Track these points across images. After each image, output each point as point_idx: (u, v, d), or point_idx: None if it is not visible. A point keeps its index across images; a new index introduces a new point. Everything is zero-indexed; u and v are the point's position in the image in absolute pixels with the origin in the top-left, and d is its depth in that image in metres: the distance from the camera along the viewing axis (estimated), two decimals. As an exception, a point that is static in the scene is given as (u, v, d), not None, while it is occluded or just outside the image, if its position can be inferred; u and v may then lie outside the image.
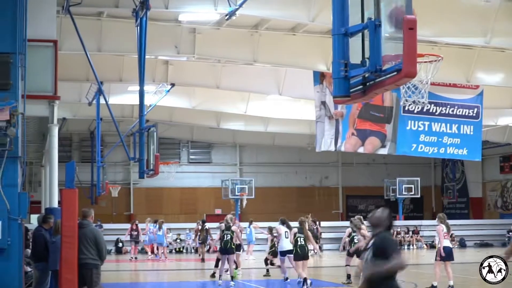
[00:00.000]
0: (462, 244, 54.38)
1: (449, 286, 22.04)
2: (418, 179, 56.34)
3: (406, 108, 29.69)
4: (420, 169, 59.54)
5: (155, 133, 25.84)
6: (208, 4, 25.08)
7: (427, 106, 30.09)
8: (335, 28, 9.16)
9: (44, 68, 18.15)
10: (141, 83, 25.60)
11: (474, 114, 31.42)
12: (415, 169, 58.06)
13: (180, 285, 27.90)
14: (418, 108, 29.87)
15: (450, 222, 59.72)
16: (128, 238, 43.87)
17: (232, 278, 24.35)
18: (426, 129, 30.48)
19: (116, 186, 54.76)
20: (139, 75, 25.46)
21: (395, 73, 8.33)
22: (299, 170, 63.00)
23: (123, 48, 29.45)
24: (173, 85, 35.27)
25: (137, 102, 28.60)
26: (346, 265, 24.54)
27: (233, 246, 24.33)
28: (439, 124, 30.69)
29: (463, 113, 31.12)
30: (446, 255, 22.31)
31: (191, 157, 61.69)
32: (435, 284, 22.05)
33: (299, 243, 23.25)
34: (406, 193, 56.13)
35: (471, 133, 31.25)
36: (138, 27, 24.16)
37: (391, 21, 8.55)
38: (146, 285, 29.14)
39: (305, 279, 22.67)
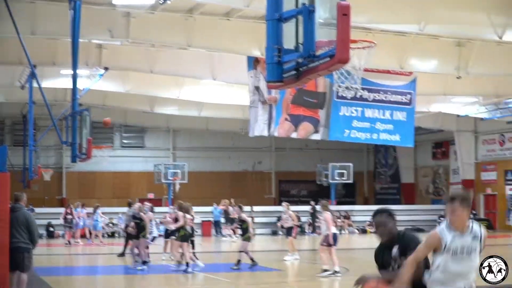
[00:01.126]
0: (394, 230, 55.01)
1: (325, 270, 22.34)
2: (351, 164, 56.81)
3: (339, 94, 29.86)
4: (352, 155, 60.05)
5: (88, 117, 25.60)
6: (143, -12, 25.01)
7: (360, 92, 30.29)
8: (269, 14, 9.20)
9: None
10: (74, 67, 25.32)
11: (407, 101, 31.75)
12: (348, 155, 58.53)
13: (113, 269, 27.80)
14: (351, 94, 30.04)
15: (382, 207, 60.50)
16: (62, 222, 43.60)
17: (145, 263, 24.24)
18: (359, 115, 30.70)
19: (49, 170, 54.15)
20: (72, 58, 25.17)
21: (328, 58, 8.40)
22: (232, 155, 63.11)
23: (57, 32, 29.13)
24: (106, 69, 34.99)
25: (70, 86, 28.35)
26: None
27: (142, 233, 24.27)
28: (372, 110, 30.93)
29: (396, 100, 31.41)
30: (334, 241, 22.93)
31: (124, 141, 61.48)
32: (325, 267, 22.31)
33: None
34: (338, 178, 56.57)
35: (404, 119, 31.58)
36: (72, 10, 23.92)
37: (325, 6, 8.62)
38: (79, 268, 28.98)
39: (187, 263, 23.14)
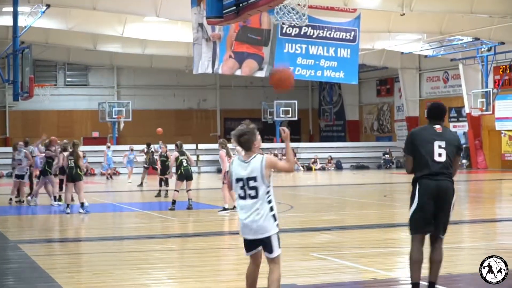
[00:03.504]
0: (339, 167, 55.58)
1: (226, 207, 22.41)
2: (296, 102, 56.99)
3: (284, 31, 29.81)
4: (297, 92, 60.10)
5: (29, 55, 25.38)
6: None
7: (305, 29, 30.30)
8: None
9: None
10: (15, 4, 25.03)
11: (351, 38, 31.78)
12: (292, 92, 58.42)
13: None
14: (295, 31, 30.04)
15: (327, 144, 60.78)
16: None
17: (82, 205, 23.89)
18: (303, 52, 30.68)
19: (-9, 109, 53.87)
20: (13, -5, 24.93)
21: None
22: (177, 92, 62.92)
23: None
24: (48, 6, 34.41)
25: (11, 23, 27.94)
26: (175, 190, 24.33)
27: (80, 173, 23.83)
28: (317, 47, 30.92)
29: (340, 37, 31.43)
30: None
31: (67, 79, 60.90)
32: (226, 206, 22.28)
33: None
34: (283, 116, 56.83)
35: (348, 56, 31.63)
36: None
37: None
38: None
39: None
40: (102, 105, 56.79)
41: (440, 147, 8.93)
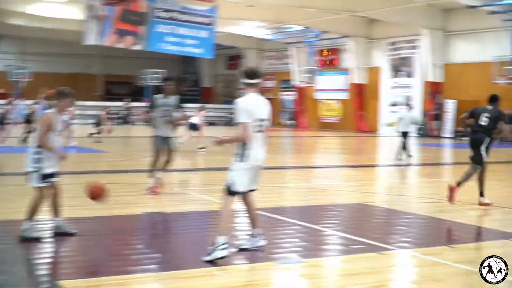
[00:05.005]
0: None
1: None
2: (165, 70, 56.40)
3: (157, 15, 29.33)
4: (165, 63, 59.27)
5: None
6: None
7: (173, 14, 30.00)
8: None
9: None
10: None
11: (209, 22, 31.49)
12: (161, 63, 57.80)
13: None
14: (166, 15, 29.66)
15: (186, 105, 60.35)
16: None
17: None
18: (172, 31, 30.26)
19: None
20: None
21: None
22: (68, 60, 61.20)
23: None
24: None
25: None
26: None
27: None
28: (182, 28, 30.53)
29: (201, 21, 31.14)
30: None
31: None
32: None
33: None
34: (153, 82, 56.31)
35: (207, 36, 31.35)
36: None
37: None
38: None
39: None
40: (8, 68, 54.74)
41: None
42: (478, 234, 10.58)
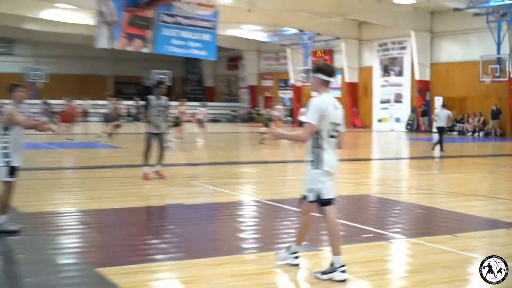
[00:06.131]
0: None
1: None
2: (170, 72, 56.25)
3: (163, 20, 29.19)
4: (171, 65, 59.10)
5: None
6: None
7: (178, 19, 29.95)
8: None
9: None
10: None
11: (211, 26, 31.35)
12: (167, 64, 57.59)
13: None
14: (171, 19, 29.58)
15: (191, 103, 60.28)
16: None
17: None
18: (176, 35, 30.14)
19: None
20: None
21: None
22: (82, 62, 60.94)
23: None
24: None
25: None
26: None
27: None
28: (186, 32, 30.42)
29: (204, 25, 31.00)
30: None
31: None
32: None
33: None
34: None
35: (209, 40, 31.24)
36: None
37: None
38: None
39: None
40: (24, 69, 54.70)
41: None
42: (480, 224, 10.40)
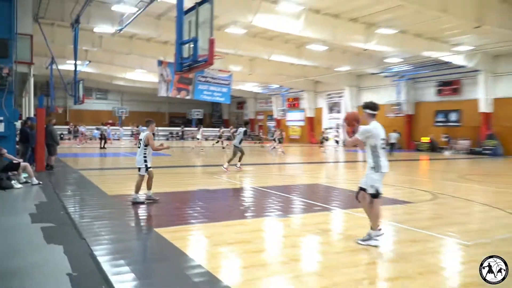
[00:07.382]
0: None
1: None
2: (202, 110, 56.36)
3: (198, 79, 29.28)
4: (204, 105, 59.21)
5: (81, 84, 23.30)
6: None
7: (208, 79, 29.97)
8: (177, 40, 8.76)
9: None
10: (75, 59, 23.01)
11: (228, 83, 31.25)
12: (201, 105, 57.69)
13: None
14: (203, 79, 29.63)
15: (215, 129, 58.79)
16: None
17: None
18: (208, 88, 30.17)
19: (61, 108, 50.10)
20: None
21: (204, 62, 8.11)
22: (150, 104, 60.49)
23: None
24: (89, 61, 32.31)
25: (73, 68, 25.89)
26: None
27: None
28: (213, 86, 30.23)
29: (223, 83, 30.89)
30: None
31: (97, 95, 56.55)
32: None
33: None
34: (196, 116, 56.15)
35: (226, 91, 31.24)
36: None
37: (203, 38, 8.28)
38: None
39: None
40: (114, 108, 54.23)
41: None
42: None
